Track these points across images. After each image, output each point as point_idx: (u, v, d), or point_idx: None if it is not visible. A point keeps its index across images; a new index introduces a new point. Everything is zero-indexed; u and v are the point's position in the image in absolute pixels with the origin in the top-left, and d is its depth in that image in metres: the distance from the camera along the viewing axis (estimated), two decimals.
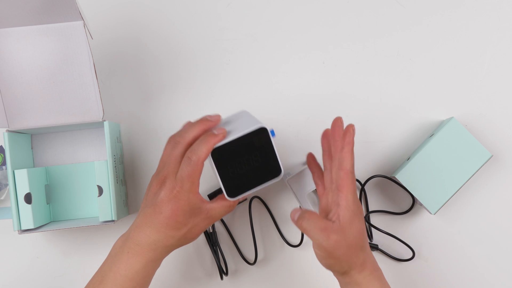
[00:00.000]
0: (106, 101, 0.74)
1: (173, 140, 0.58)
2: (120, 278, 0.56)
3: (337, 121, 0.60)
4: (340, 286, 0.61)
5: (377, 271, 0.59)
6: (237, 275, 0.74)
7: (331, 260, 0.58)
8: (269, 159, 0.59)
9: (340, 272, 0.58)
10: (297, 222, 0.59)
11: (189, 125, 0.60)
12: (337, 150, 0.59)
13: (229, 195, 0.59)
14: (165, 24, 0.76)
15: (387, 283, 0.60)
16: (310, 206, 0.68)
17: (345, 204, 0.56)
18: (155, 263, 0.58)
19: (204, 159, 0.56)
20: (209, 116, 0.60)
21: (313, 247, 0.59)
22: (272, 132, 0.59)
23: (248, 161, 0.58)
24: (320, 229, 0.56)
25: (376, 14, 0.75)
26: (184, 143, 0.57)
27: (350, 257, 0.57)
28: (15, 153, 0.68)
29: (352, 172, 0.57)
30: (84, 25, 0.66)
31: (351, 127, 0.58)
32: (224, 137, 0.57)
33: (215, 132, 0.57)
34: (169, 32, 0.76)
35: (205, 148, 0.55)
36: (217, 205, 0.59)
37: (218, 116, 0.60)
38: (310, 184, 0.68)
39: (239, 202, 0.64)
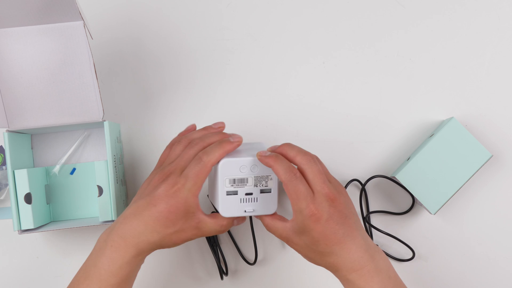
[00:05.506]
0: (106, 101, 0.74)
1: (188, 140, 0.58)
2: (104, 273, 0.55)
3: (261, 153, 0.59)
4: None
5: (363, 268, 0.56)
6: (237, 275, 0.74)
7: (305, 257, 0.59)
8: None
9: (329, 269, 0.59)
10: (267, 227, 0.60)
11: (207, 132, 0.60)
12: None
13: (222, 212, 0.59)
14: (165, 24, 0.76)
15: (387, 277, 0.57)
16: None
17: (295, 210, 0.56)
18: (138, 259, 0.57)
19: (214, 163, 0.55)
20: (232, 136, 0.59)
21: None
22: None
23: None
24: (280, 235, 0.59)
25: (376, 14, 0.75)
26: (202, 145, 0.57)
27: (318, 255, 0.56)
28: (15, 153, 0.68)
29: (288, 179, 0.55)
30: (84, 25, 0.66)
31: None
32: (239, 145, 0.57)
33: (231, 139, 0.56)
34: (169, 32, 0.75)
35: (218, 152, 0.55)
36: (210, 220, 0.58)
37: (240, 137, 0.59)
38: None
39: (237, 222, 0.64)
